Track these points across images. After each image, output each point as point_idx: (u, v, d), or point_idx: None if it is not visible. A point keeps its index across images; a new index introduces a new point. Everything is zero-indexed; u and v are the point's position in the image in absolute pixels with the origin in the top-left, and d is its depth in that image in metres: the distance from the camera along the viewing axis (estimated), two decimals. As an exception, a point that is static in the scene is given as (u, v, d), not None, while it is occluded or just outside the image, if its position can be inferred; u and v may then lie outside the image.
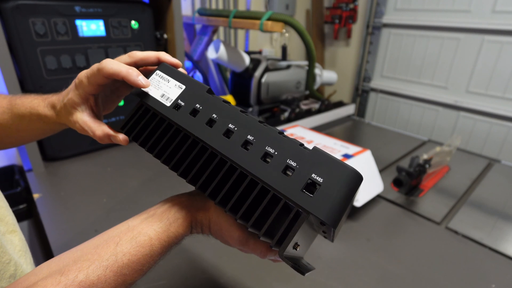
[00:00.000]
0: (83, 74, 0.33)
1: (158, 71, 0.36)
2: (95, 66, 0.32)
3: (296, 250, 0.27)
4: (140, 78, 0.33)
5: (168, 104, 0.34)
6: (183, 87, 0.34)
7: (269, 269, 0.54)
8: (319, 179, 0.26)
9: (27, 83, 0.77)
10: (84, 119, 0.34)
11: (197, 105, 0.32)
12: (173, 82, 0.35)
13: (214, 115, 0.31)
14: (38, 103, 0.38)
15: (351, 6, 1.77)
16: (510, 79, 1.38)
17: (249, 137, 0.29)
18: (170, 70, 0.35)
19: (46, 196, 0.72)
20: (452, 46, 1.51)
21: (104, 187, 0.77)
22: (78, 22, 0.79)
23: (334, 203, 0.25)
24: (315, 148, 0.27)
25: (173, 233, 0.30)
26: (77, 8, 0.78)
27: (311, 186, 0.26)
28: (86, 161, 0.88)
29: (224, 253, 0.57)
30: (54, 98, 0.37)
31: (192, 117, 0.32)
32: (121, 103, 0.93)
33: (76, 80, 0.34)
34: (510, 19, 1.32)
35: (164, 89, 0.34)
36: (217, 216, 0.32)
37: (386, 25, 1.72)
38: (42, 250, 0.93)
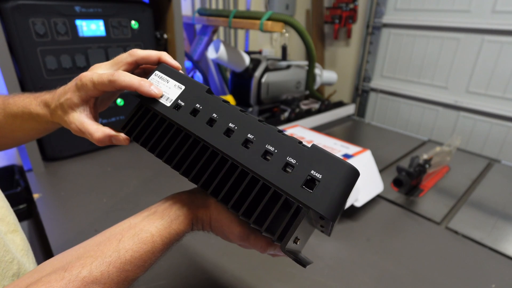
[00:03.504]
0: (87, 78, 0.33)
1: (157, 72, 0.36)
2: (105, 77, 0.32)
3: (297, 244, 0.28)
4: (152, 88, 0.34)
5: (168, 104, 0.34)
6: (183, 87, 0.34)
7: (269, 268, 0.54)
8: (318, 175, 0.26)
9: (27, 83, 0.77)
10: (81, 120, 0.34)
11: (197, 105, 0.33)
12: (172, 82, 0.35)
13: (214, 115, 0.32)
14: (30, 102, 0.37)
15: (351, 6, 1.77)
16: (510, 79, 1.38)
17: (249, 135, 0.30)
18: (169, 71, 0.36)
19: (46, 196, 0.72)
20: (452, 46, 1.51)
21: (104, 187, 0.77)
22: (78, 22, 0.79)
23: (333, 198, 0.26)
24: (313, 146, 0.28)
25: (175, 230, 0.30)
26: (77, 8, 0.78)
27: (311, 182, 0.27)
28: (86, 161, 0.88)
29: (224, 253, 0.57)
30: (47, 96, 0.36)
31: (193, 117, 0.32)
32: (121, 103, 0.93)
33: (78, 82, 0.33)
34: (510, 19, 1.32)
35: (164, 90, 0.35)
36: (218, 213, 0.32)
37: (386, 25, 1.72)
38: (42, 250, 0.93)
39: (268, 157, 0.29)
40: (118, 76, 0.32)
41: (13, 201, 0.89)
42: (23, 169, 0.87)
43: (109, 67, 0.35)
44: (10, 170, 0.96)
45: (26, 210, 0.87)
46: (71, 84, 0.35)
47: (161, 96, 0.34)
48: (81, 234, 0.61)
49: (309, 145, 0.28)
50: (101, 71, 0.34)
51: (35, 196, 0.72)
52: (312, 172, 0.27)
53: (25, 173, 0.81)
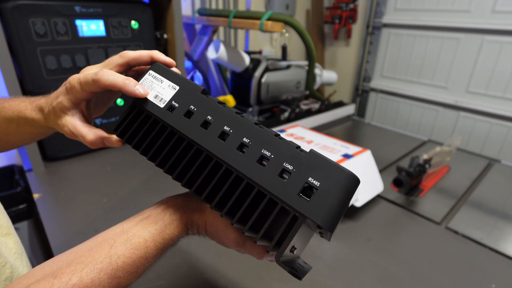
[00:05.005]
0: (75, 80, 0.32)
1: (151, 71, 0.35)
2: (89, 77, 0.31)
3: (293, 253, 0.27)
4: (138, 88, 0.32)
5: (161, 105, 0.33)
6: (177, 87, 0.33)
7: (268, 269, 0.54)
8: (316, 183, 0.25)
9: (27, 83, 0.77)
10: (73, 123, 0.33)
11: (192, 107, 0.32)
12: (166, 82, 0.34)
13: (209, 117, 0.31)
14: (26, 106, 0.37)
15: (351, 6, 1.77)
16: (510, 79, 1.38)
17: (244, 139, 0.29)
18: (164, 70, 0.34)
19: (46, 196, 0.72)
20: (452, 46, 1.51)
21: (104, 187, 0.76)
22: (78, 22, 0.79)
23: (331, 207, 0.25)
24: (311, 151, 0.27)
25: (169, 235, 0.30)
26: (77, 8, 0.78)
27: (308, 190, 0.26)
28: (86, 161, 0.88)
29: (224, 253, 0.57)
30: (42, 101, 0.36)
31: (187, 119, 0.31)
32: (121, 103, 0.93)
33: (67, 85, 0.33)
34: (510, 19, 1.32)
35: (157, 90, 0.34)
36: (213, 218, 0.31)
37: (386, 25, 1.72)
38: (42, 250, 0.93)
39: (264, 163, 0.27)
40: (102, 75, 0.31)
41: (13, 201, 0.90)
42: (23, 169, 0.87)
43: (99, 69, 0.34)
44: (10, 170, 0.96)
45: (26, 210, 0.87)
46: (62, 88, 0.34)
47: (155, 97, 0.33)
48: (81, 234, 0.61)
49: (308, 150, 0.27)
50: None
51: (35, 196, 0.72)
52: (310, 179, 0.26)
53: (25, 173, 0.81)
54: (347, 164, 0.66)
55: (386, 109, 1.85)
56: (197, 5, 1.39)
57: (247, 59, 1.16)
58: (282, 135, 0.83)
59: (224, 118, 0.30)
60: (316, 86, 1.36)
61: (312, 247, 0.59)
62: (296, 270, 0.27)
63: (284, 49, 1.23)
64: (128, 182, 0.79)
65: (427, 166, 0.80)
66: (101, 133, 0.34)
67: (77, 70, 0.82)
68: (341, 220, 0.67)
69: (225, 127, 0.30)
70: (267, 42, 1.76)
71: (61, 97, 0.33)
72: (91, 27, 0.82)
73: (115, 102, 0.92)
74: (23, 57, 0.74)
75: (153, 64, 0.35)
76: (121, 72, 0.35)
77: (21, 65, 0.75)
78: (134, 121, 0.34)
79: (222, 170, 0.29)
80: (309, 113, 1.25)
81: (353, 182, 0.26)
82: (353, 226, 0.67)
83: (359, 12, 1.79)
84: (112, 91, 0.38)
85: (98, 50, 0.84)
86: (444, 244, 0.63)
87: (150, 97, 0.34)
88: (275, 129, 0.96)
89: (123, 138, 0.34)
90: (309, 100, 1.40)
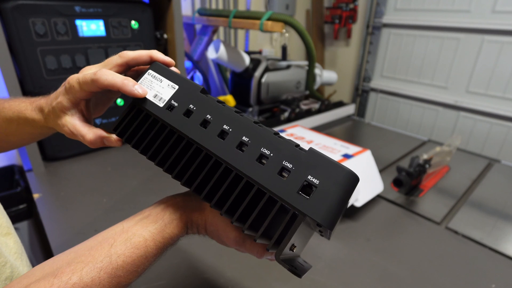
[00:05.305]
0: (74, 80, 0.32)
1: (150, 71, 0.35)
2: (88, 76, 0.31)
3: (293, 251, 0.27)
4: (136, 88, 0.32)
5: (161, 104, 0.33)
6: (176, 87, 0.33)
7: (269, 268, 0.54)
8: (315, 181, 0.25)
9: (27, 83, 0.77)
10: (73, 122, 0.33)
11: (191, 106, 0.32)
12: (166, 82, 0.34)
13: (208, 116, 0.31)
14: (26, 107, 0.37)
15: (351, 6, 1.77)
16: (510, 79, 1.38)
17: (244, 138, 0.29)
18: (163, 70, 0.35)
19: (46, 196, 0.72)
20: (452, 46, 1.51)
21: (104, 187, 0.76)
22: (78, 22, 0.79)
23: (330, 205, 0.25)
24: (311, 149, 0.27)
25: (168, 234, 0.30)
26: (77, 8, 0.78)
27: (307, 188, 0.26)
28: (86, 161, 0.88)
29: (224, 253, 0.57)
30: (42, 101, 0.36)
31: (186, 118, 0.31)
32: (121, 103, 0.93)
33: (66, 85, 0.33)
34: (510, 19, 1.32)
35: (156, 89, 0.34)
36: (213, 217, 0.31)
37: (386, 25, 1.72)
38: (42, 250, 0.93)
39: (263, 161, 0.27)
40: (101, 75, 0.31)
41: (13, 201, 0.90)
42: (23, 169, 0.87)
43: (98, 69, 0.34)
44: (10, 170, 0.96)
45: (26, 210, 0.87)
46: (61, 88, 0.34)
47: (155, 96, 0.33)
48: (81, 234, 0.61)
49: (307, 149, 0.27)
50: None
51: (35, 196, 0.72)
52: (309, 177, 0.26)
53: (25, 173, 0.81)
54: (347, 164, 0.66)
55: (386, 109, 1.85)
56: (197, 5, 1.39)
57: (247, 59, 1.16)
58: (282, 135, 0.83)
59: (224, 117, 0.30)
60: (316, 86, 1.36)
61: (312, 247, 0.59)
62: (296, 268, 0.27)
63: (284, 49, 1.23)
64: (128, 182, 0.79)
65: (427, 166, 0.80)
66: (100, 132, 0.34)
67: (77, 70, 0.82)
68: (340, 219, 0.67)
69: (225, 126, 0.30)
70: (267, 42, 1.76)
71: (61, 97, 0.34)
72: (91, 27, 0.82)
73: (115, 102, 0.92)
74: (23, 57, 0.74)
75: (153, 64, 0.35)
76: (120, 72, 0.35)
77: (21, 65, 0.75)
78: (133, 121, 0.34)
79: (222, 169, 0.29)
80: (309, 113, 1.25)
81: (353, 180, 0.26)
82: (353, 226, 0.67)
83: (359, 12, 1.79)
84: (111, 91, 0.38)
85: (98, 50, 0.84)
86: (444, 244, 0.63)
87: (150, 97, 0.34)
88: (275, 129, 0.96)
89: (122, 138, 0.34)
90: (309, 100, 1.40)
